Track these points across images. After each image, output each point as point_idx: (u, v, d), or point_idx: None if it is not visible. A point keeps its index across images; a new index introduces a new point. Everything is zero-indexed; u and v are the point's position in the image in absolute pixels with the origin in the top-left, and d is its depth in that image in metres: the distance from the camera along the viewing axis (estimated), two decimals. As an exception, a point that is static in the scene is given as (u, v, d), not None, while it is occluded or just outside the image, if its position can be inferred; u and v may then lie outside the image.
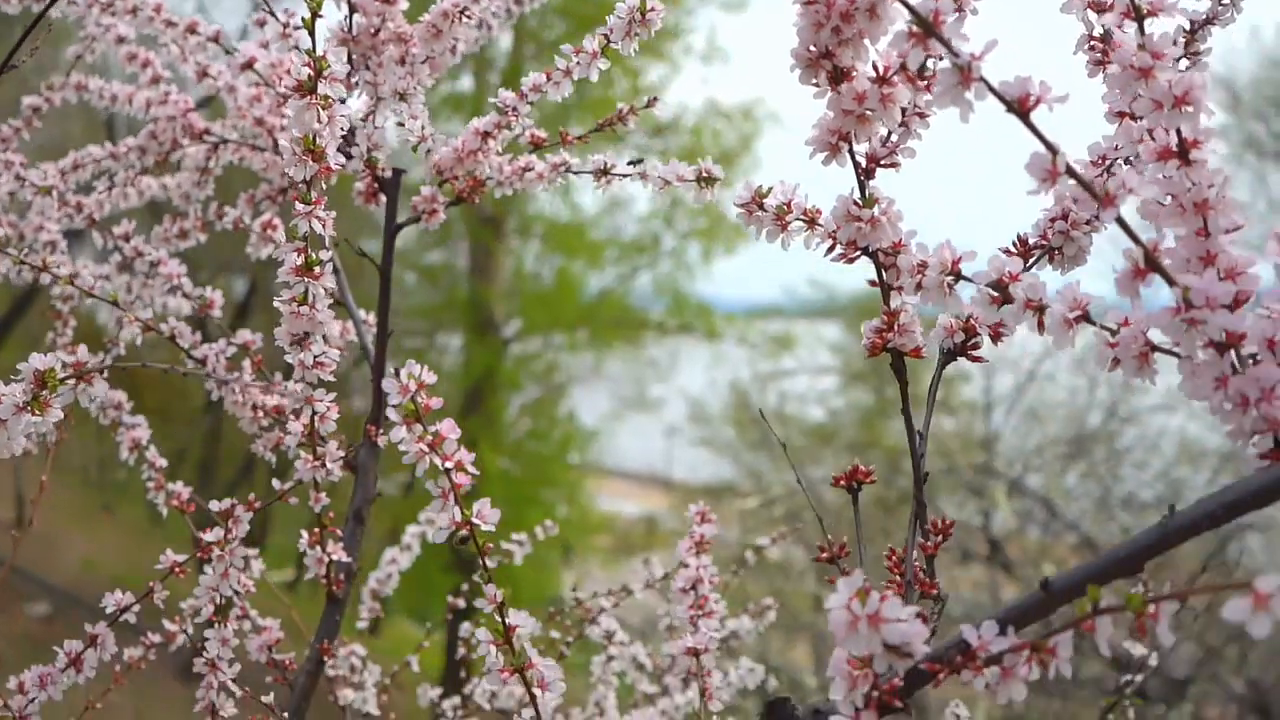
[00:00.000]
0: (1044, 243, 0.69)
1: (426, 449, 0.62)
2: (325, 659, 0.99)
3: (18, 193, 1.18)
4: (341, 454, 0.91)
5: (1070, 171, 0.51)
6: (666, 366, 12.37)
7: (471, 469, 0.63)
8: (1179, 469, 7.26)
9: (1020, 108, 0.51)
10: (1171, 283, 0.51)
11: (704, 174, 0.86)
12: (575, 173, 0.97)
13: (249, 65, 1.06)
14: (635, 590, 1.35)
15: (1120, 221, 0.52)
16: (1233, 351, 0.53)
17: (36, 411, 0.68)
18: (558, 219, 12.24)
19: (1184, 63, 0.73)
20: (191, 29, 1.11)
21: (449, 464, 0.62)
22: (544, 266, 12.37)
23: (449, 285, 11.65)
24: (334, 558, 0.98)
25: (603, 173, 0.95)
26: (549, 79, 0.92)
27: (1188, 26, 0.74)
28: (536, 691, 0.65)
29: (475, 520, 0.63)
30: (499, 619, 0.65)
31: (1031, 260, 0.69)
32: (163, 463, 1.11)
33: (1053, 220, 0.69)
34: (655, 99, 1.00)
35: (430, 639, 1.75)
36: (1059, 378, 7.94)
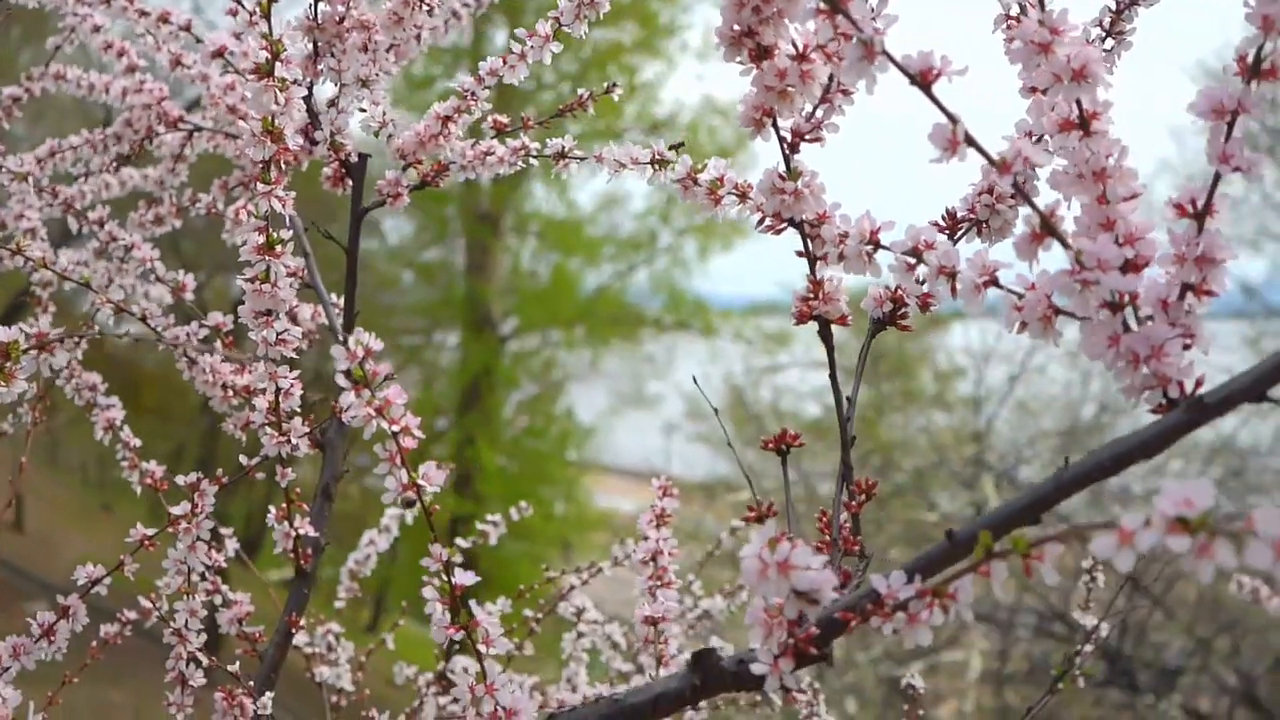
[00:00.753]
0: (971, 216, 0.72)
1: (374, 413, 0.65)
2: (293, 631, 1.02)
3: (-4, 180, 1.20)
4: (306, 430, 0.94)
5: (969, 140, 0.54)
6: (663, 363, 12.41)
7: (418, 433, 0.66)
8: (1172, 463, 7.30)
9: (922, 80, 0.54)
10: (1066, 246, 0.54)
11: (657, 157, 0.89)
12: (535, 156, 1.00)
13: (219, 54, 1.09)
14: (605, 568, 1.38)
15: (1017, 188, 0.54)
16: (1131, 311, 0.56)
17: (1, 381, 0.71)
18: (554, 216, 12.27)
19: (1109, 42, 0.76)
20: (164, 19, 1.14)
21: (396, 428, 0.65)
22: (541, 264, 12.40)
23: (446, 283, 11.68)
24: (301, 532, 1.00)
25: (560, 156, 0.98)
26: (505, 63, 0.95)
27: (1114, 6, 0.77)
28: (481, 648, 0.68)
29: (421, 482, 0.66)
30: (445, 579, 0.68)
31: (960, 233, 0.72)
32: (136, 442, 1.13)
33: (979, 194, 0.72)
34: (614, 84, 1.03)
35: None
36: (1051, 371, 7.98)
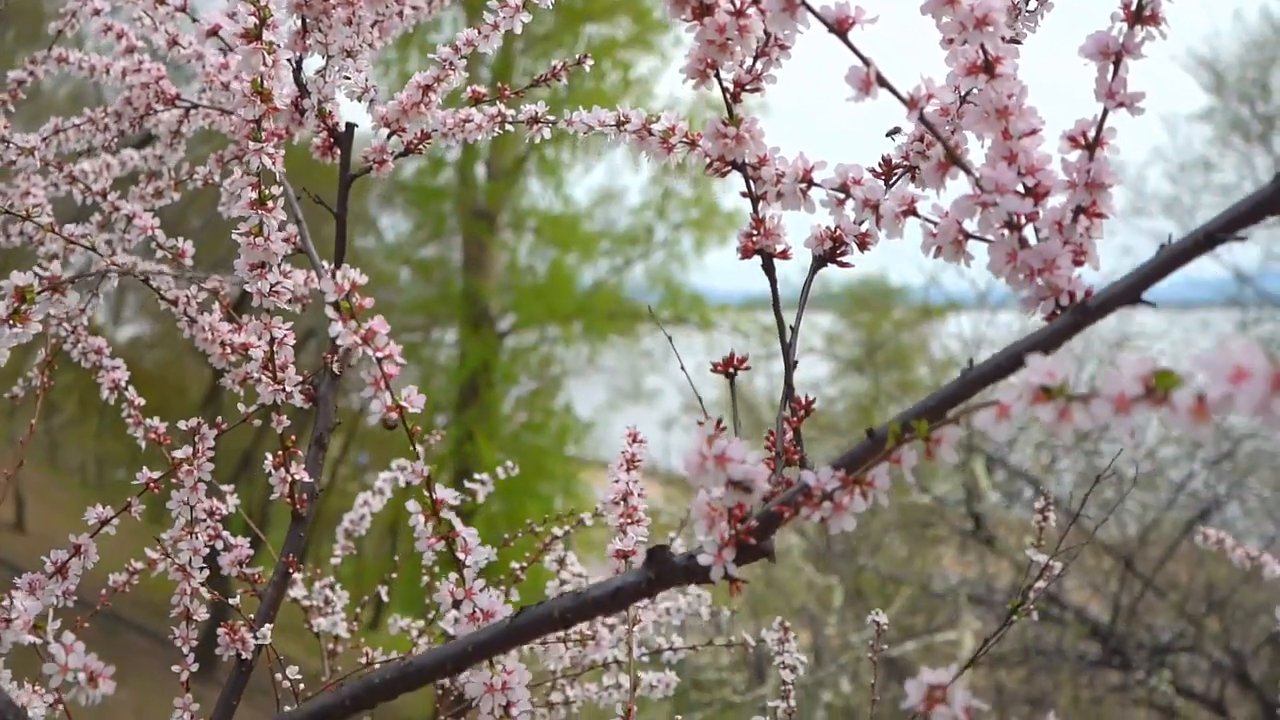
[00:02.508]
0: (905, 162, 0.78)
1: (360, 341, 0.71)
2: (290, 571, 1.09)
3: (3, 154, 1.27)
4: (300, 378, 1.01)
5: (880, 80, 0.60)
6: (660, 358, 12.47)
7: (400, 359, 0.72)
8: (1163, 448, 7.38)
9: (840, 28, 0.60)
10: (969, 173, 0.61)
11: (622, 119, 0.95)
12: (511, 122, 1.07)
13: (214, 32, 1.15)
14: (587, 521, 1.45)
15: (924, 122, 0.61)
16: (1032, 232, 0.63)
17: (17, 322, 0.77)
18: (551, 212, 12.32)
19: (1032, 3, 0.83)
20: (160, 1, 1.20)
21: (380, 354, 0.72)
22: (538, 260, 12.46)
23: (443, 280, 11.74)
24: (297, 478, 1.07)
25: (534, 120, 1.05)
26: (480, 34, 1.01)
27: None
28: (461, 555, 0.74)
29: (404, 404, 0.73)
30: (426, 493, 0.74)
31: (895, 177, 0.78)
32: (141, 401, 1.20)
33: (912, 141, 0.78)
34: (586, 56, 1.09)
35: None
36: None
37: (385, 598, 1.50)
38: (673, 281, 11.99)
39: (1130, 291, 0.57)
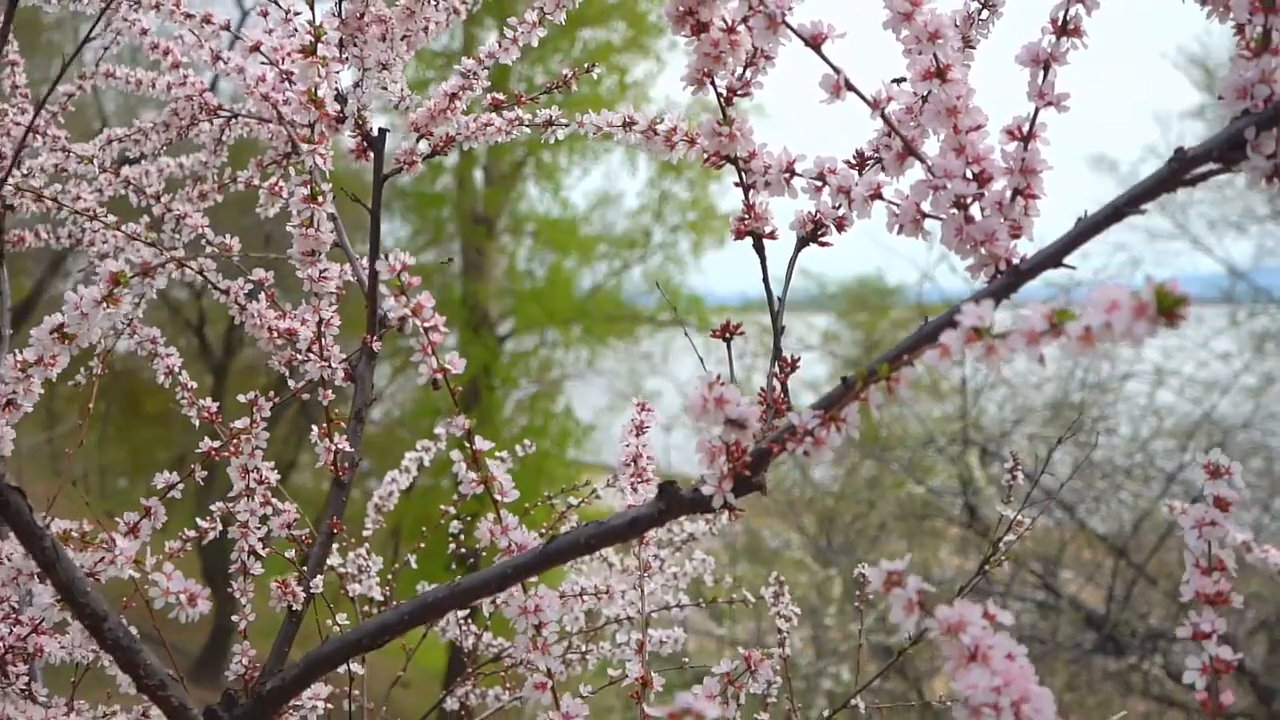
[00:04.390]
0: (875, 154, 0.90)
1: (410, 313, 0.84)
2: (335, 531, 1.21)
3: (62, 164, 1.39)
4: (344, 356, 1.13)
5: (848, 85, 0.73)
6: (659, 360, 12.58)
7: (444, 329, 0.85)
8: (1158, 440, 7.50)
9: (814, 43, 0.73)
10: (923, 162, 0.73)
11: (629, 119, 1.07)
12: (528, 125, 1.19)
13: (256, 48, 1.28)
14: (599, 491, 1.57)
15: (885, 119, 0.73)
16: (978, 210, 0.75)
17: (110, 305, 0.89)
18: (549, 216, 12.44)
19: (985, 12, 0.95)
20: (206, 20, 1.32)
21: (427, 324, 0.84)
22: (536, 264, 12.58)
23: (443, 285, 11.85)
24: (340, 448, 1.19)
25: (549, 123, 1.17)
26: (500, 46, 1.14)
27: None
28: (497, 497, 0.86)
29: (448, 366, 0.85)
30: (468, 444, 0.86)
31: (866, 167, 0.91)
32: (193, 385, 1.32)
33: (880, 137, 0.91)
34: (594, 65, 1.22)
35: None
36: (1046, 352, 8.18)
37: (414, 564, 1.62)
38: (671, 283, 12.11)
39: (1053, 258, 0.69)
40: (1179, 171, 0.66)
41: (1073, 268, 0.69)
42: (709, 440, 0.75)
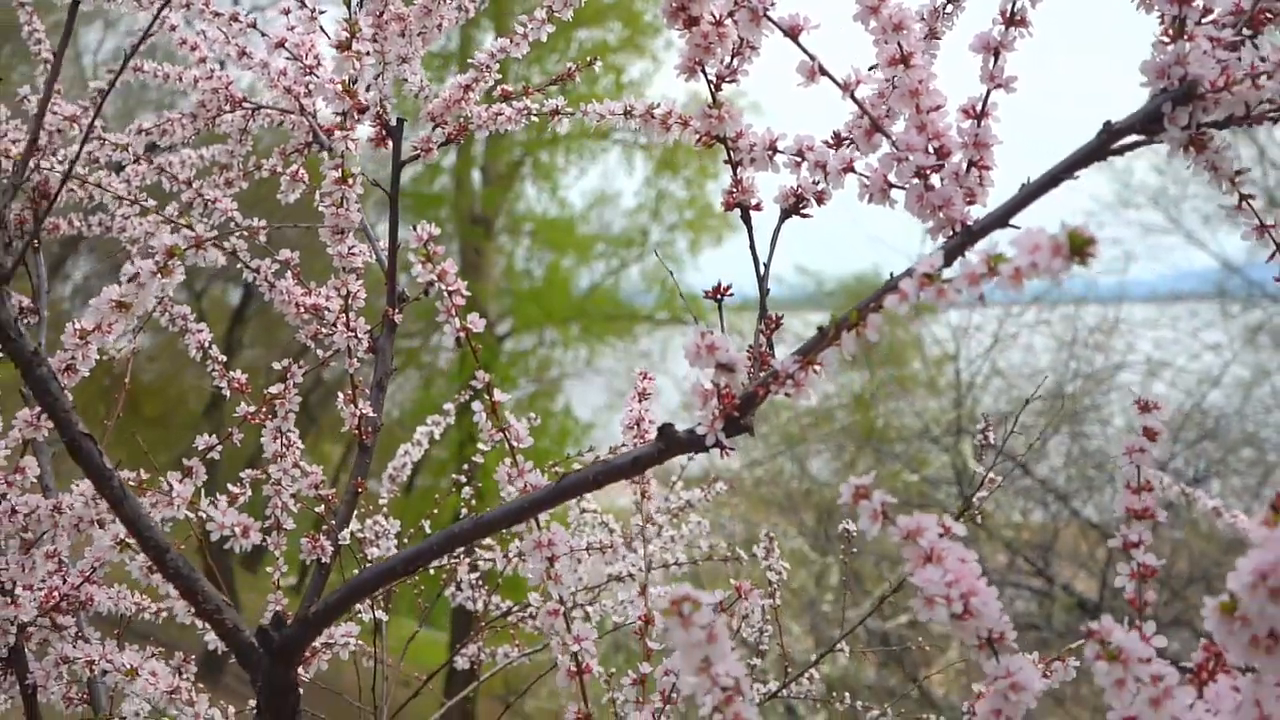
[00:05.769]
0: (849, 135, 1.00)
1: (436, 278, 0.94)
2: (359, 490, 1.31)
3: (96, 153, 1.49)
4: (369, 327, 1.23)
5: (822, 70, 0.83)
6: (658, 358, 12.68)
7: (465, 293, 0.95)
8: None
9: (792, 33, 0.83)
10: (888, 137, 0.83)
11: (628, 109, 1.17)
12: (535, 115, 1.29)
13: (281, 44, 1.38)
14: (601, 455, 1.67)
15: (854, 99, 0.83)
16: (938, 179, 0.85)
17: (164, 275, 0.99)
18: (546, 216, 12.54)
19: (950, 7, 1.05)
20: (234, 18, 1.42)
21: (451, 289, 0.94)
22: (534, 263, 12.68)
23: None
24: (364, 413, 1.29)
25: (555, 113, 1.27)
26: (511, 42, 1.24)
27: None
28: (514, 442, 0.97)
29: (470, 326, 0.95)
30: (488, 396, 0.97)
31: (842, 146, 1.01)
32: (223, 358, 1.42)
33: (854, 118, 1.01)
34: (595, 59, 1.32)
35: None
36: (1037, 343, 8.34)
37: (429, 530, 1.72)
38: (668, 282, 12.17)
39: (1001, 219, 0.79)
40: (1107, 142, 0.77)
41: (1017, 227, 0.79)
42: (701, 384, 0.85)
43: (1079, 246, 0.59)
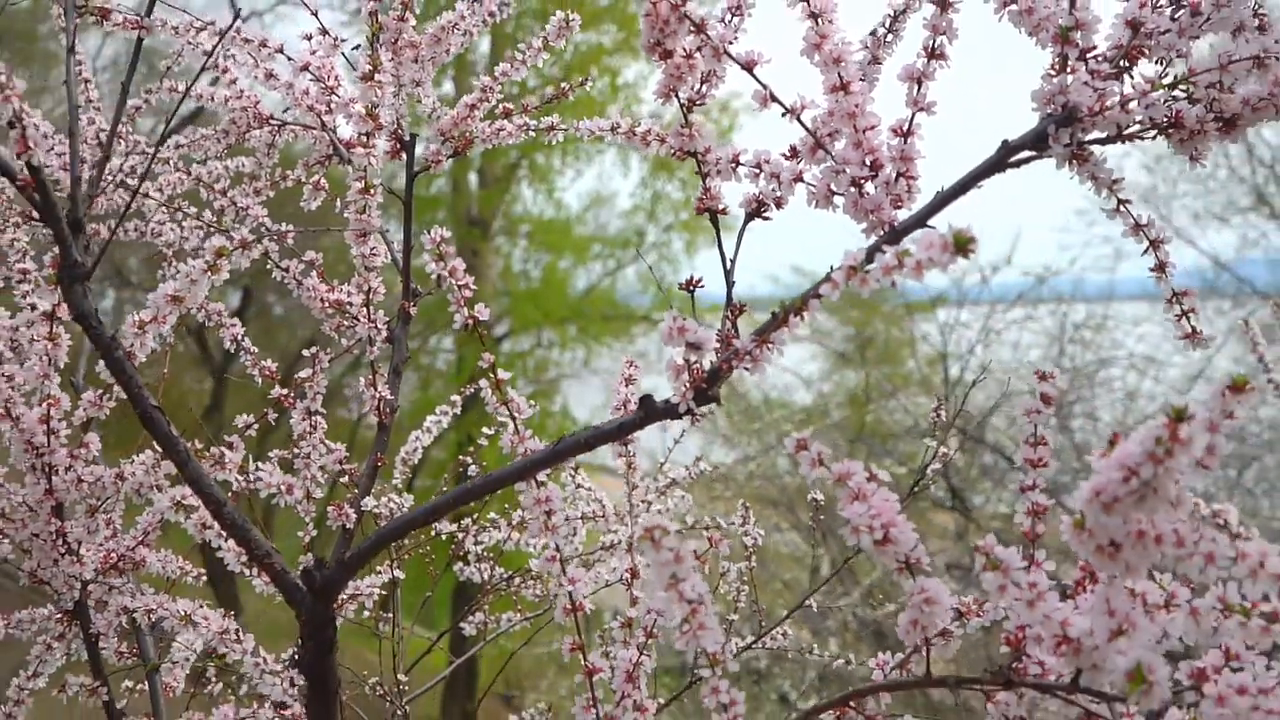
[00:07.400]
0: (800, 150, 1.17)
1: (447, 274, 1.10)
2: (379, 465, 1.47)
3: (138, 165, 1.65)
4: (387, 319, 1.39)
5: (773, 98, 0.99)
6: (655, 358, 12.83)
7: (473, 286, 1.11)
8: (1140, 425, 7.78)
9: (748, 67, 0.99)
10: (829, 153, 1.00)
11: (615, 125, 1.34)
12: (534, 131, 1.46)
13: (305, 67, 1.54)
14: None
15: (800, 122, 1.00)
16: (871, 188, 1.01)
17: (213, 273, 1.16)
18: (543, 218, 12.69)
19: (890, 36, 1.21)
20: (263, 44, 1.59)
21: (460, 282, 1.10)
22: (531, 265, 12.83)
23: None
24: (383, 395, 1.45)
25: (551, 128, 1.44)
26: (512, 66, 1.40)
27: (892, 12, 1.22)
28: (516, 414, 1.13)
29: (476, 315, 1.11)
30: (493, 374, 1.13)
31: (797, 158, 1.17)
32: (255, 349, 1.58)
33: (804, 138, 1.17)
34: (586, 79, 1.48)
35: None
36: (1025, 339, 8.52)
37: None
38: (665, 282, 12.29)
39: (919, 222, 0.96)
40: (1005, 156, 0.93)
41: (933, 228, 0.96)
42: (674, 361, 1.01)
43: (962, 244, 0.76)
